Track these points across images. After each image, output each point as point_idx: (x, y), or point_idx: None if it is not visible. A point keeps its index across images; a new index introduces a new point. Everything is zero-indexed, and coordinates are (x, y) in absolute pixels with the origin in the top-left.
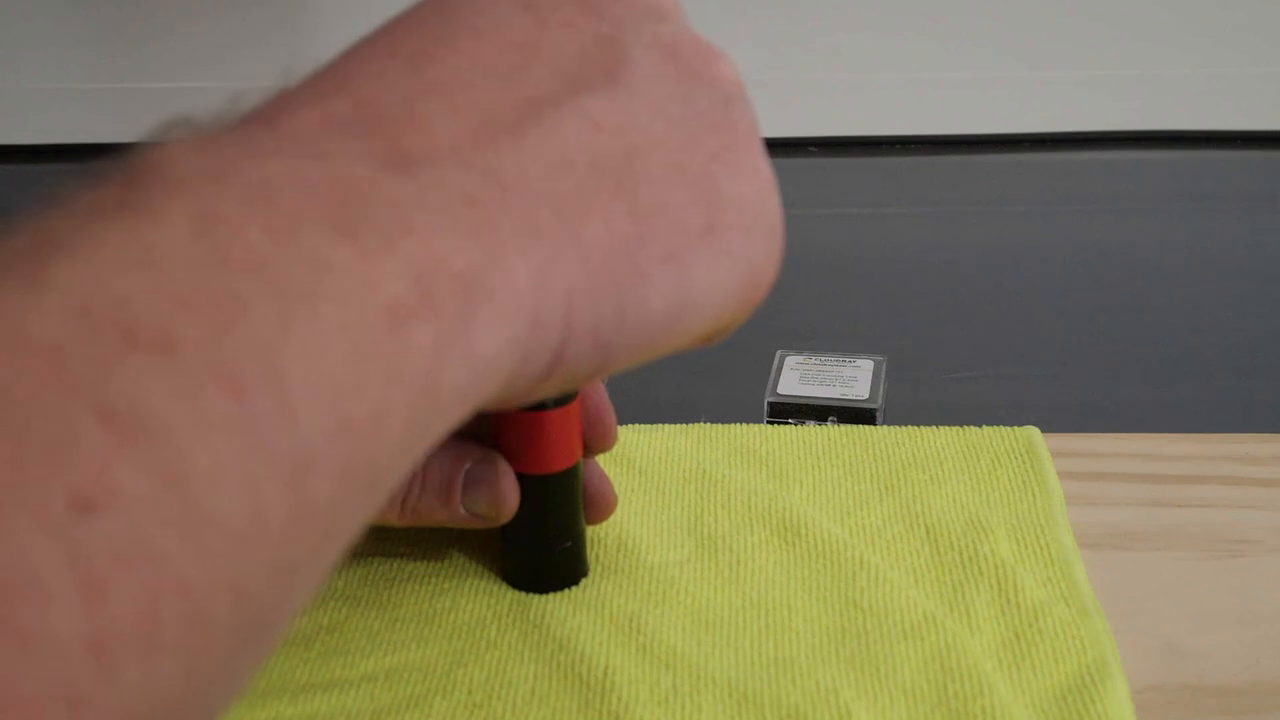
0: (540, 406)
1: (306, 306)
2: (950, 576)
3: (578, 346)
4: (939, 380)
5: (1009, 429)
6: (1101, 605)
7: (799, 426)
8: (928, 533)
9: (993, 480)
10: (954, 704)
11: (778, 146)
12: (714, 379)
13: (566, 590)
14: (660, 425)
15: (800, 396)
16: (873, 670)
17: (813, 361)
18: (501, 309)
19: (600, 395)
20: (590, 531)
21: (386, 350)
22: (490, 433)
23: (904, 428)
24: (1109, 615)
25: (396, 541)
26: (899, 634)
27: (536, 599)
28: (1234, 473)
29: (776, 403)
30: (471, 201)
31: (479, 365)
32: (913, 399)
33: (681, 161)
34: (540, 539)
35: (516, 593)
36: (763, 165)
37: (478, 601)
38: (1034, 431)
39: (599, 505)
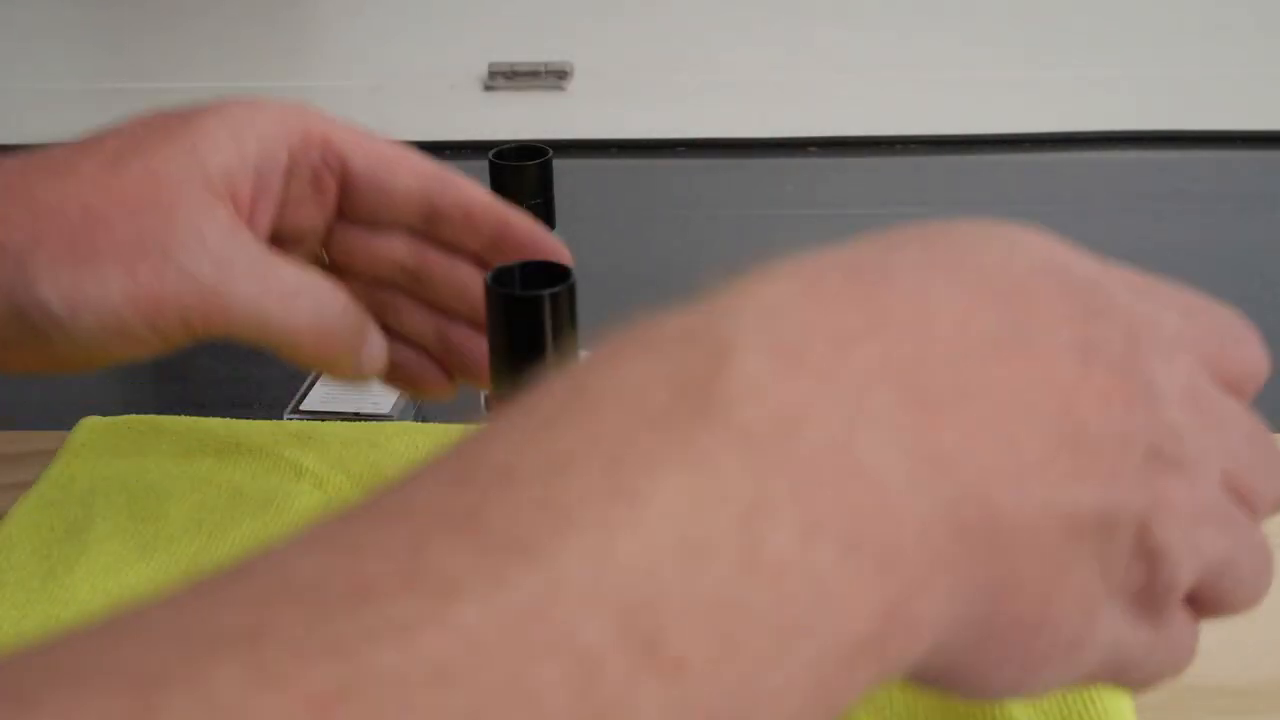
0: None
1: (801, 637)
2: None
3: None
4: None
5: None
6: None
7: None
8: None
9: None
10: (954, 704)
11: (778, 146)
12: None
13: None
14: None
15: None
16: None
17: None
18: (912, 651)
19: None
20: None
21: (835, 687)
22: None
23: None
24: None
25: None
26: None
27: None
28: None
29: None
30: (961, 532)
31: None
32: None
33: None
34: None
35: None
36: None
37: None
38: None
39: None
